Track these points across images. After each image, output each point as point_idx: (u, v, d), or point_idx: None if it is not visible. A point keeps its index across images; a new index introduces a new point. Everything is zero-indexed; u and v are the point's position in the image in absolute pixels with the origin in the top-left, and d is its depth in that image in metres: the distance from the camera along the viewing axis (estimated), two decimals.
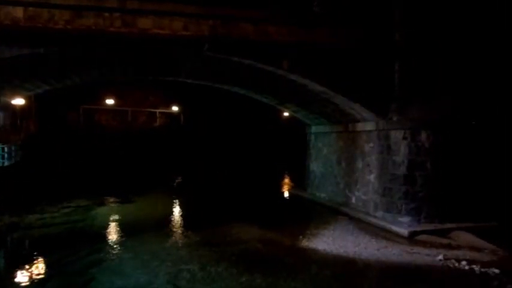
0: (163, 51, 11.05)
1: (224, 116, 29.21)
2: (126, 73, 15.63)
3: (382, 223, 11.31)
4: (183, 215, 14.11)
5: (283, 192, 19.76)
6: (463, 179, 11.04)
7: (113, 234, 11.01)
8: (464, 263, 8.12)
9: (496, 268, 7.74)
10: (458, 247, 9.38)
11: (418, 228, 10.50)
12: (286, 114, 26.43)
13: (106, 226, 11.83)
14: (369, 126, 12.34)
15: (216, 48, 10.43)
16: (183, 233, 11.12)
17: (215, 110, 28.95)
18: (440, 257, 8.53)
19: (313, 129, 16.84)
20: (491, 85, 11.30)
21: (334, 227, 11.46)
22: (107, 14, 9.27)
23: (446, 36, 11.08)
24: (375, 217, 11.86)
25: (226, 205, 15.63)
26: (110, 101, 26.67)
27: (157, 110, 28.94)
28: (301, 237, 10.31)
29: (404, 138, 11.17)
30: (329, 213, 13.50)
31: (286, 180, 23.15)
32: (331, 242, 9.86)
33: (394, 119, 11.40)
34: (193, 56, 11.38)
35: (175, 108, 29.23)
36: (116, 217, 13.00)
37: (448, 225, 10.59)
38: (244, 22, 10.28)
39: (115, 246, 9.64)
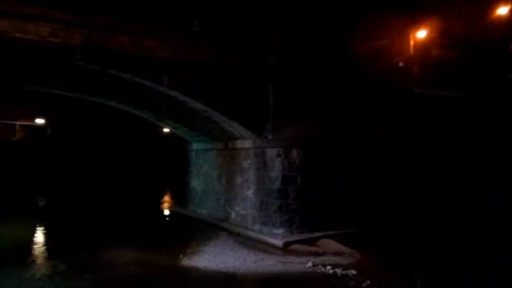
0: (28, 57, 9.87)
1: (101, 130, 27.20)
2: None
3: (259, 236, 11.87)
4: (49, 241, 12.53)
5: (163, 210, 19.21)
6: (327, 191, 12.32)
7: None
8: (329, 267, 9.04)
9: (354, 269, 8.82)
10: (324, 253, 10.40)
11: (291, 239, 11.33)
12: (167, 130, 25.96)
13: None
14: (247, 144, 12.96)
15: (89, 59, 9.77)
16: (48, 261, 9.93)
17: (89, 123, 26.76)
18: (310, 264, 9.35)
19: (194, 146, 16.91)
20: (349, 108, 13.00)
21: (215, 243, 11.59)
22: None
23: (309, 66, 12.42)
24: (253, 230, 12.40)
25: (101, 227, 14.43)
26: None
27: (18, 123, 25.42)
28: (181, 256, 10.15)
29: (279, 155, 12.04)
30: (210, 230, 13.60)
31: (167, 198, 22.58)
32: (211, 258, 9.94)
33: (270, 137, 12.21)
34: (63, 66, 10.43)
35: (40, 121, 26.08)
36: None
37: (316, 234, 11.67)
38: (122, 34, 9.91)
39: None
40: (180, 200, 18.54)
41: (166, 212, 18.68)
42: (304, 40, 12.32)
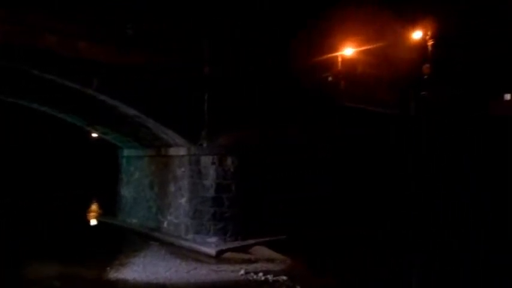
0: None
1: (22, 134, 24.98)
2: None
3: (192, 245, 11.72)
4: None
5: (89, 221, 18.13)
6: (261, 199, 12.58)
7: None
8: (261, 274, 9.21)
9: (285, 275, 9.10)
10: (257, 260, 10.58)
11: (224, 247, 11.36)
12: (96, 134, 24.61)
13: None
14: (182, 151, 12.79)
15: (10, 58, 9.02)
16: None
17: (8, 126, 24.45)
18: (242, 271, 9.45)
19: (125, 152, 16.26)
20: (282, 118, 13.45)
21: (146, 253, 11.23)
22: None
23: (244, 77, 12.65)
24: (186, 240, 12.21)
25: (21, 240, 13.21)
26: None
27: None
28: (108, 268, 9.67)
29: (213, 163, 12.05)
30: (141, 240, 13.12)
31: (94, 207, 21.33)
32: (141, 270, 9.62)
33: (205, 145, 12.18)
34: None
35: None
36: None
37: (249, 241, 11.83)
38: (50, 33, 9.31)
39: None
40: (109, 209, 17.64)
41: (94, 222, 17.67)
42: (239, 52, 12.56)
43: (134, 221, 15.19)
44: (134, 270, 9.61)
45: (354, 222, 13.47)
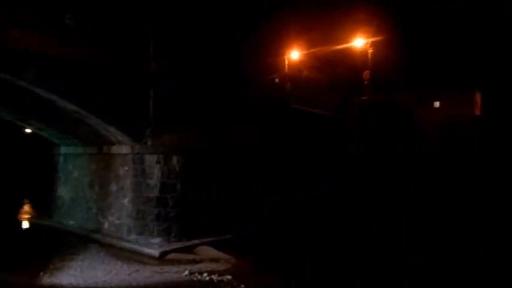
0: None
1: None
2: None
3: (135, 246, 11.36)
4: None
5: (21, 222, 16.87)
6: (206, 198, 12.50)
7: None
8: (205, 274, 9.16)
9: (229, 274, 9.13)
10: (201, 261, 10.50)
11: (168, 248, 11.13)
12: (30, 130, 22.91)
13: None
14: (125, 149, 12.34)
15: None
16: None
17: None
18: (186, 272, 9.34)
19: (63, 149, 15.36)
20: (229, 119, 13.47)
21: (84, 256, 10.69)
22: None
23: (191, 75, 12.50)
24: (129, 241, 11.80)
25: None
26: None
27: None
28: (42, 273, 9.08)
29: (158, 162, 11.77)
30: (79, 242, 12.45)
31: (27, 208, 19.87)
32: (78, 274, 9.15)
33: (149, 143, 11.85)
34: None
35: None
36: None
37: (194, 242, 11.71)
38: None
39: None
40: (44, 210, 16.53)
41: (26, 225, 16.46)
42: (187, 50, 12.40)
43: (72, 222, 14.39)
44: (71, 274, 9.10)
45: (295, 221, 13.87)
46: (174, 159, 11.95)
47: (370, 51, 16.96)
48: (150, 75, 11.80)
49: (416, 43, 23.30)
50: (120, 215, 12.45)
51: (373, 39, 16.78)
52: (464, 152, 19.62)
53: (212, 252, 11.11)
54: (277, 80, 16.76)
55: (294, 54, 17.84)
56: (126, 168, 12.39)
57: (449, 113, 23.15)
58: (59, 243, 12.84)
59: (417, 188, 18.09)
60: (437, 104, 24.88)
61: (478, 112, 25.39)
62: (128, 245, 11.56)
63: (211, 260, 10.55)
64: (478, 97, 25.96)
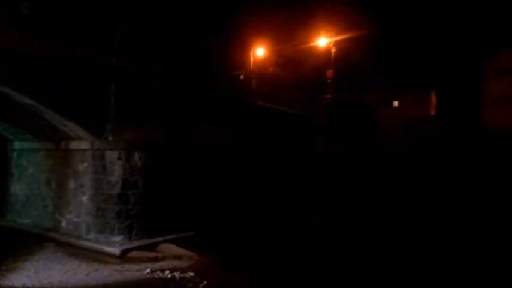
0: None
1: None
2: None
3: (94, 245, 11.04)
4: None
5: None
6: (169, 195, 12.33)
7: None
8: (167, 272, 9.07)
9: (192, 271, 9.09)
10: (164, 258, 10.38)
11: (130, 246, 10.91)
12: None
13: None
14: (84, 145, 11.92)
15: None
16: None
17: None
18: (148, 270, 9.21)
19: (17, 145, 14.61)
20: (195, 116, 13.34)
21: (39, 256, 10.26)
22: None
23: (155, 71, 12.27)
24: (88, 240, 11.45)
25: None
26: None
27: None
28: None
29: (119, 158, 11.48)
30: (34, 241, 11.88)
31: None
32: (33, 274, 8.77)
33: (110, 139, 11.53)
34: None
35: None
36: None
37: (157, 239, 11.53)
38: None
39: None
40: None
41: None
42: (152, 45, 12.16)
43: (27, 221, 13.75)
44: (24, 275, 8.71)
45: (259, 218, 14.01)
46: (136, 156, 11.70)
47: (333, 50, 17.37)
48: (113, 69, 11.45)
49: (378, 44, 24.07)
50: (79, 212, 12.05)
51: (335, 39, 17.18)
52: (421, 149, 20.59)
53: (175, 249, 11.01)
54: (242, 77, 16.78)
55: (259, 52, 17.93)
56: (85, 164, 12.00)
57: (407, 112, 24.16)
58: (12, 243, 12.22)
59: (380, 181, 18.77)
60: (396, 103, 25.91)
61: (433, 112, 26.64)
62: (87, 244, 11.22)
63: (174, 257, 10.45)
64: (433, 98, 27.23)
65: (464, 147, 19.57)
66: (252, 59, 17.54)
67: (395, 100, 25.84)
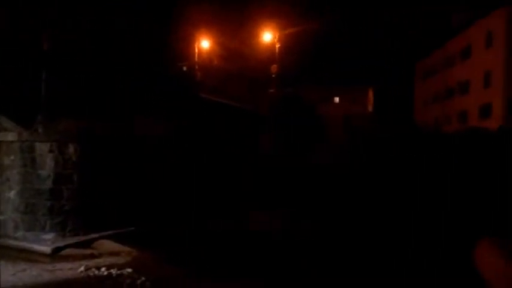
0: None
1: None
2: None
3: (22, 244, 10.29)
4: None
5: None
6: (106, 190, 11.79)
7: None
8: (103, 269, 8.71)
9: (130, 268, 8.81)
10: (100, 255, 9.95)
11: (62, 243, 10.28)
12: None
13: None
14: (10, 136, 11.02)
15: None
16: None
17: None
18: (82, 268, 8.78)
19: None
20: (134, 108, 12.86)
21: None
22: None
23: (92, 60, 11.63)
24: (15, 238, 10.65)
25: None
26: None
27: None
28: None
29: (51, 151, 10.78)
30: None
31: None
32: None
33: (40, 130, 10.77)
34: None
35: None
36: None
37: (93, 236, 10.99)
38: None
39: None
40: None
41: None
42: (92, 32, 11.49)
43: None
44: None
45: (202, 214, 13.89)
46: (71, 148, 11.05)
47: (277, 45, 17.61)
48: (44, 55, 10.64)
49: (321, 42, 24.85)
50: (5, 209, 11.14)
51: (279, 33, 17.43)
52: (359, 142, 21.50)
53: (112, 245, 10.58)
54: (185, 69, 16.46)
55: (204, 44, 17.70)
56: (12, 157, 11.11)
57: (347, 108, 25.27)
58: None
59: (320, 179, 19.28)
60: (337, 99, 26.99)
61: (370, 108, 28.12)
62: (14, 243, 10.42)
63: (111, 253, 10.06)
64: (371, 95, 28.73)
65: (398, 142, 20.71)
66: (196, 50, 17.27)
67: (336, 96, 26.91)
